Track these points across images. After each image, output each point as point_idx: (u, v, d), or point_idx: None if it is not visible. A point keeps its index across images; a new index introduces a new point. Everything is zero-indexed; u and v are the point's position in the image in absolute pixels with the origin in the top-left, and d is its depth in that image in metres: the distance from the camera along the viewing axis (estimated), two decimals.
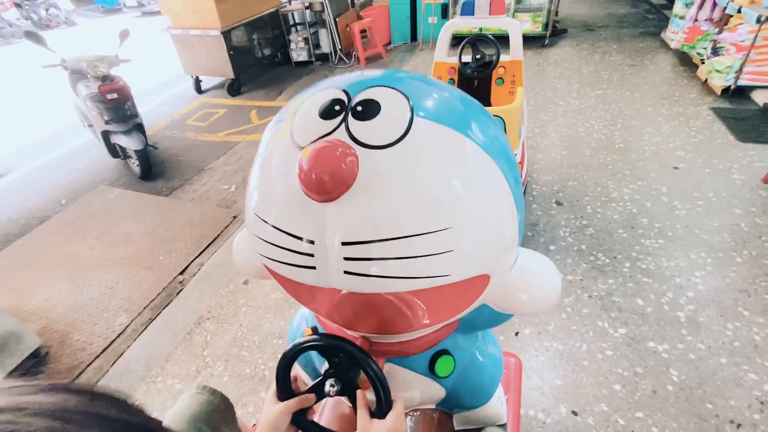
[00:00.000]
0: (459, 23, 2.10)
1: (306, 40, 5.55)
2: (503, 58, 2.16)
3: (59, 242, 2.80)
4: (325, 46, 5.63)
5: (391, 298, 0.51)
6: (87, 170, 3.75)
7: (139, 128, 3.32)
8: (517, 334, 1.85)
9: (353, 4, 6.04)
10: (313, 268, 0.48)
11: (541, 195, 2.67)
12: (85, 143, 4.18)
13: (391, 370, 0.68)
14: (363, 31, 5.56)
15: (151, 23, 9.56)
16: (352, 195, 0.45)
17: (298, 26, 5.78)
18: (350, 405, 0.59)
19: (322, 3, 5.17)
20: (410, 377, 0.70)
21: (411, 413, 0.87)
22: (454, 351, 0.71)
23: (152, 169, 3.49)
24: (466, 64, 2.21)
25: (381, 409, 0.56)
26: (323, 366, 0.66)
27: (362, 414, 0.56)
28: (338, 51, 5.57)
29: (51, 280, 2.47)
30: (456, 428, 0.87)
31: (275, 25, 5.46)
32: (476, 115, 0.54)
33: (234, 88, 5.00)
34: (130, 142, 3.22)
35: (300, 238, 0.47)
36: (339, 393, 0.58)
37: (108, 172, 3.67)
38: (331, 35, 5.47)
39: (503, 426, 0.90)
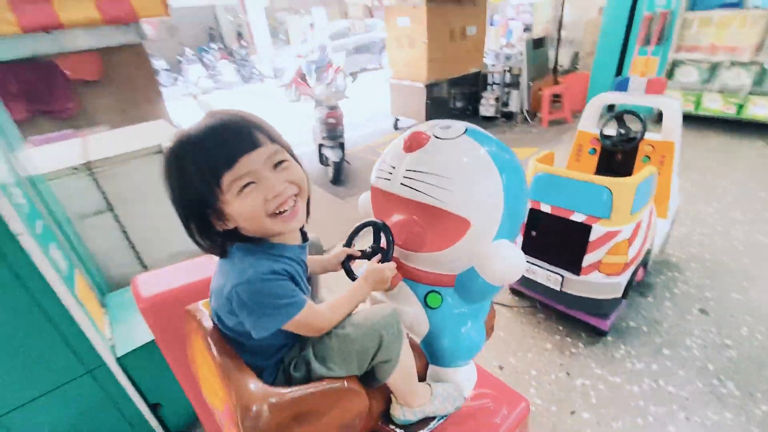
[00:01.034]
0: (610, 98, 2.15)
1: (497, 98, 6.05)
2: (655, 137, 2.08)
3: None
4: (514, 106, 5.98)
5: (416, 212, 0.95)
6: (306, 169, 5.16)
7: (341, 146, 4.44)
8: (573, 413, 1.74)
9: (555, 70, 6.22)
10: (389, 179, 0.99)
11: (684, 295, 2.30)
12: (309, 151, 5.75)
13: (402, 286, 1.04)
14: (556, 96, 5.67)
15: (385, 73, 12.02)
16: (418, 152, 0.94)
17: (494, 85, 6.35)
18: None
19: (521, 68, 5.59)
20: (411, 297, 1.04)
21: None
22: (444, 303, 1.02)
23: (341, 177, 4.58)
24: (607, 136, 2.21)
25: (384, 260, 0.98)
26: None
27: (373, 261, 0.98)
28: (524, 111, 5.83)
29: None
30: (427, 380, 1.11)
31: (473, 83, 6.18)
32: (502, 149, 0.97)
33: None
34: (332, 155, 4.35)
35: (391, 165, 0.99)
36: (372, 256, 1.02)
37: (314, 173, 4.99)
38: (522, 96, 5.80)
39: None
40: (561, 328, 2.18)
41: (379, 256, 1.02)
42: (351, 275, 1.05)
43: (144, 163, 2.31)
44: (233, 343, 0.86)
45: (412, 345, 1.08)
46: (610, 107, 2.53)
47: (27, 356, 1.32)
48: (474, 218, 0.92)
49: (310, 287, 0.97)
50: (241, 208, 0.73)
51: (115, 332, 1.65)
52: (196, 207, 0.75)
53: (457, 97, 6.20)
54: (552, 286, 1.98)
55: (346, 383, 0.83)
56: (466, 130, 0.98)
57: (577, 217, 1.83)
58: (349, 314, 0.89)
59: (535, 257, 2.03)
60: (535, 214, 1.99)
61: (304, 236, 0.93)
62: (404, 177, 0.96)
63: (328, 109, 4.29)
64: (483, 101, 6.19)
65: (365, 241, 1.04)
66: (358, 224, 1.09)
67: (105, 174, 2.25)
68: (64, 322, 1.35)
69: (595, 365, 1.94)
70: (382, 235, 1.01)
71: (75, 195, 2.10)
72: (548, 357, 2.01)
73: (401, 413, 0.98)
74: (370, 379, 0.91)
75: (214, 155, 0.71)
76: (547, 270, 1.97)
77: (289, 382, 0.86)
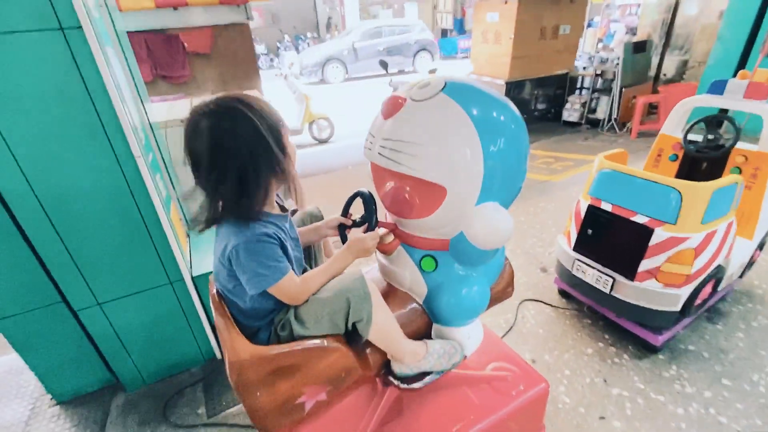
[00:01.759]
0: (702, 101, 1.97)
1: (584, 104, 5.69)
2: (750, 147, 1.86)
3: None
4: (601, 113, 5.58)
5: (399, 180, 0.97)
6: None
7: None
8: (602, 418, 1.67)
9: (656, 78, 5.67)
10: (370, 149, 0.98)
11: (762, 329, 2.05)
12: None
13: (400, 250, 1.10)
14: (652, 106, 5.18)
15: (460, 66, 11.84)
16: (393, 118, 0.92)
17: (582, 90, 5.97)
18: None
19: (614, 72, 5.19)
20: (408, 262, 1.09)
21: (411, 305, 1.17)
22: (439, 266, 1.07)
23: None
24: (692, 142, 2.02)
25: (369, 230, 1.06)
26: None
27: (358, 231, 1.06)
28: (612, 119, 5.42)
29: None
30: (432, 336, 1.17)
31: (559, 85, 5.88)
32: (488, 105, 0.90)
33: None
34: None
35: (372, 134, 0.99)
36: (361, 224, 1.10)
37: None
38: (611, 104, 5.39)
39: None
40: (606, 336, 2.07)
41: (366, 225, 1.08)
42: (345, 242, 1.13)
43: None
44: (233, 306, 1.01)
45: (417, 308, 1.13)
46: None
47: (129, 260, 1.64)
48: (449, 184, 0.89)
49: (301, 254, 1.09)
50: (292, 158, 0.95)
51: (193, 256, 1.95)
52: (265, 158, 0.87)
53: (539, 98, 5.95)
54: (601, 289, 1.90)
55: (325, 342, 0.94)
56: (444, 85, 0.89)
57: (640, 219, 1.73)
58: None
59: (587, 256, 1.96)
60: (593, 212, 1.92)
61: (282, 209, 1.05)
62: (380, 146, 0.93)
63: None
64: (567, 105, 5.87)
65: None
66: (349, 196, 1.15)
67: None
68: (158, 238, 1.65)
69: (638, 379, 1.83)
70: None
71: (178, 143, 2.47)
72: (586, 361, 1.94)
73: (397, 367, 1.06)
74: (357, 336, 1.00)
75: (276, 115, 0.90)
76: (598, 271, 1.90)
77: (278, 341, 0.99)
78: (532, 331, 2.14)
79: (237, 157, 0.84)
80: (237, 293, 0.96)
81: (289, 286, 0.92)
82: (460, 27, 15.74)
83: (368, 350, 1.05)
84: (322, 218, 1.27)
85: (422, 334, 1.15)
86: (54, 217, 1.45)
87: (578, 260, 2.00)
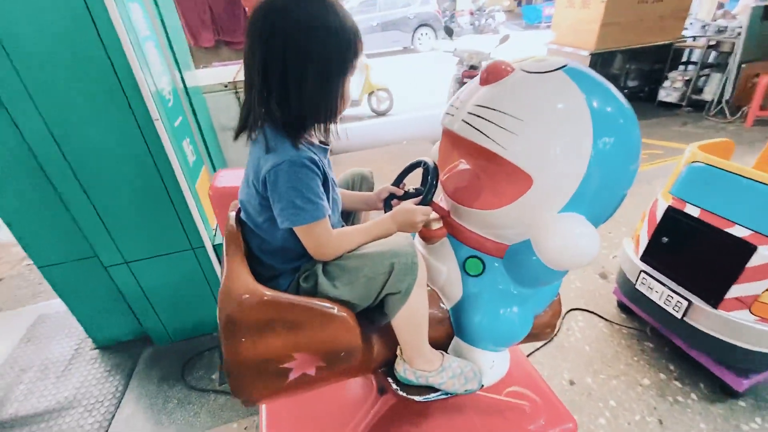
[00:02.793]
0: None
1: (687, 81, 4.78)
2: None
3: None
4: (709, 93, 4.65)
5: (475, 157, 0.84)
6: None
7: None
8: None
9: None
10: (453, 115, 0.85)
11: None
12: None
13: (444, 242, 0.94)
14: None
15: (541, 36, 10.63)
16: (493, 85, 0.79)
17: (688, 65, 5.01)
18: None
19: (734, 44, 4.24)
20: (450, 256, 0.93)
21: (436, 307, 1.00)
22: (486, 273, 0.89)
23: None
24: None
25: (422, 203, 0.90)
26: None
27: (410, 201, 0.91)
28: (723, 101, 4.49)
29: None
30: (448, 351, 0.99)
31: (657, 59, 4.99)
32: (611, 102, 0.75)
33: None
34: None
35: (459, 100, 0.86)
36: (414, 197, 0.95)
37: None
38: (725, 82, 4.45)
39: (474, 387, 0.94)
40: (671, 367, 1.72)
41: (419, 198, 0.92)
42: (389, 206, 0.99)
43: None
44: (256, 240, 0.88)
45: (441, 313, 0.97)
46: None
47: (152, 222, 1.66)
48: (539, 176, 0.74)
49: (339, 204, 0.95)
50: (350, 87, 0.81)
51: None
52: (339, 62, 0.76)
53: (632, 73, 5.13)
54: (671, 311, 1.54)
55: (336, 309, 0.79)
56: (565, 65, 0.77)
57: (738, 232, 1.34)
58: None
59: (657, 269, 1.60)
60: (673, 216, 1.54)
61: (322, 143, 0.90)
62: (468, 113, 0.80)
63: (466, 68, 4.05)
64: (666, 83, 4.98)
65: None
66: (409, 163, 0.99)
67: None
68: (180, 204, 1.64)
69: (706, 428, 1.48)
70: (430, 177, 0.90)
71: (221, 108, 2.47)
72: (640, 393, 1.62)
73: (402, 369, 0.91)
74: (378, 315, 0.86)
75: (359, 33, 0.77)
76: (670, 289, 1.54)
77: (297, 292, 0.85)
78: (576, 346, 1.85)
79: (310, 49, 0.72)
80: (266, 229, 0.84)
81: (322, 233, 0.79)
82: None
83: (377, 338, 0.92)
84: (373, 183, 1.13)
85: (439, 344, 0.97)
86: (81, 176, 1.48)
87: (645, 272, 1.64)
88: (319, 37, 0.72)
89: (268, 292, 0.77)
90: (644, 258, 1.66)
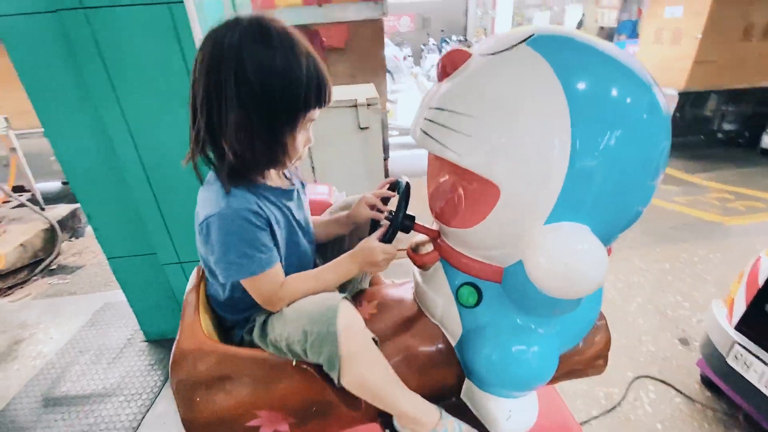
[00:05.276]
0: None
1: None
2: None
3: None
4: None
5: (444, 170, 0.72)
6: None
7: None
8: None
9: None
10: (415, 123, 0.70)
11: None
12: None
13: (437, 268, 0.82)
14: None
15: None
16: (449, 79, 0.65)
17: None
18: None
19: None
20: (443, 286, 0.81)
21: (439, 344, 0.87)
22: (484, 303, 0.76)
23: None
24: None
25: (384, 240, 0.80)
26: None
27: (374, 236, 0.82)
28: None
29: None
30: (461, 395, 0.86)
31: (761, 101, 4.43)
32: (610, 80, 0.57)
33: None
34: None
35: (420, 106, 0.71)
36: (389, 219, 0.84)
37: None
38: None
39: None
40: None
41: (384, 229, 0.81)
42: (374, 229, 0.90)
43: (341, 114, 2.65)
44: (212, 289, 0.86)
45: (447, 350, 0.83)
46: None
47: None
48: (506, 182, 0.59)
49: (311, 245, 0.90)
50: (299, 140, 0.74)
51: None
52: (285, 110, 0.70)
53: (728, 116, 4.61)
54: None
55: (285, 359, 0.74)
56: (531, 35, 0.60)
57: None
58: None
59: (757, 342, 1.32)
60: None
61: (290, 183, 0.87)
62: (423, 119, 0.67)
63: None
64: None
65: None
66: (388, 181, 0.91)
67: None
68: None
69: None
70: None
71: None
72: None
73: (398, 426, 0.79)
74: None
75: (323, 87, 0.72)
76: None
77: (249, 344, 0.82)
78: (644, 421, 1.57)
79: (242, 91, 0.65)
80: (214, 274, 0.78)
81: (264, 285, 0.74)
82: (632, 30, 13.52)
83: None
84: None
85: (448, 387, 0.86)
86: (152, 179, 1.61)
87: (740, 345, 1.36)
88: (258, 81, 0.65)
89: (216, 346, 0.74)
90: (740, 327, 1.38)
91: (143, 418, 1.67)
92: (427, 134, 0.66)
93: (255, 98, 0.66)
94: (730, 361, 1.40)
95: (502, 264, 0.71)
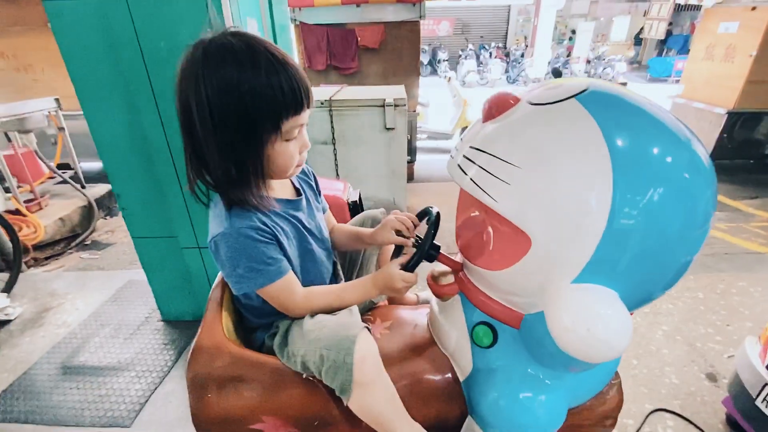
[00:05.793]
0: None
1: None
2: None
3: None
4: None
5: (477, 207, 0.73)
6: None
7: None
8: None
9: None
10: (453, 157, 0.71)
11: None
12: None
13: (456, 301, 0.82)
14: None
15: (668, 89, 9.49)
16: (495, 122, 0.65)
17: None
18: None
19: None
20: (460, 321, 0.80)
21: (447, 375, 0.87)
22: (498, 346, 0.75)
23: None
24: None
25: (406, 268, 0.79)
26: None
27: (397, 261, 0.80)
28: None
29: None
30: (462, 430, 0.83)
31: None
32: (655, 140, 0.56)
33: None
34: None
35: (461, 140, 0.72)
36: (415, 245, 0.83)
37: None
38: None
39: None
40: None
41: (408, 256, 0.80)
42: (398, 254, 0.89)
43: (368, 113, 2.65)
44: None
45: (455, 383, 0.81)
46: None
47: None
48: (539, 235, 0.59)
49: (327, 252, 0.91)
50: (284, 151, 0.73)
51: None
52: (261, 124, 0.69)
53: None
54: None
55: (304, 374, 0.74)
56: (584, 90, 0.60)
57: None
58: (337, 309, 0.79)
59: None
60: None
61: (298, 192, 0.87)
62: (463, 157, 0.66)
63: None
64: None
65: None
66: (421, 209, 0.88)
67: (338, 113, 2.69)
68: None
69: None
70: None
71: (315, 123, 2.63)
72: None
73: None
74: None
75: (297, 92, 0.69)
76: None
77: (269, 349, 0.83)
78: None
79: (214, 104, 0.65)
80: None
81: (279, 294, 0.76)
82: (683, 45, 12.90)
83: None
84: None
85: (450, 421, 0.83)
86: (178, 166, 1.66)
87: None
88: (220, 101, 0.65)
89: (233, 348, 0.75)
90: None
91: (151, 395, 1.72)
92: (464, 172, 0.65)
93: (224, 118, 0.66)
94: (760, 404, 1.29)
95: (522, 311, 0.70)
